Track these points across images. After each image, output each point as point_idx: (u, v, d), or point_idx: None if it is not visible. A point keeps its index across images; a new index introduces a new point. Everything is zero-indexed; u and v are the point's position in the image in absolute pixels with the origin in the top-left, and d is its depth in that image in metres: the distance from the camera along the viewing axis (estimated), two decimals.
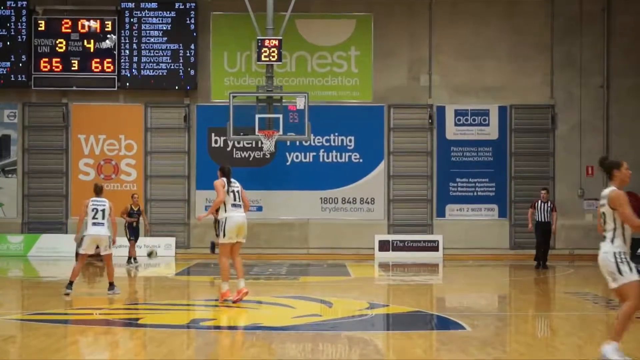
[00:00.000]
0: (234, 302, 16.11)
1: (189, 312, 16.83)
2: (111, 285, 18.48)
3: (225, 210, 16.56)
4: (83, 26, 31.96)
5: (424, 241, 32.07)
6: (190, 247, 32.14)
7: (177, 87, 32.12)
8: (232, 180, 16.76)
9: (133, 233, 28.21)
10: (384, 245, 32.02)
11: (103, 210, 18.31)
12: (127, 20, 32.08)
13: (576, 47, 32.50)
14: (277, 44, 28.70)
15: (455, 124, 32.48)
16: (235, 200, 16.65)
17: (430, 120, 32.39)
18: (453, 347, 12.23)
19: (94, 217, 18.25)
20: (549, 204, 27.37)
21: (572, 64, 32.51)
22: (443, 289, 22.93)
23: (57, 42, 31.93)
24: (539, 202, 27.33)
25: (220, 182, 16.57)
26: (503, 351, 12.27)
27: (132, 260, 27.84)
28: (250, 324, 13.22)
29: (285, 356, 11.71)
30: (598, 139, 32.43)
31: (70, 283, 18.21)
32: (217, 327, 13.80)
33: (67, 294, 17.96)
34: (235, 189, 16.75)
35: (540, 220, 27.26)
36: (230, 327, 13.51)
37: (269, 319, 14.91)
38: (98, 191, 18.64)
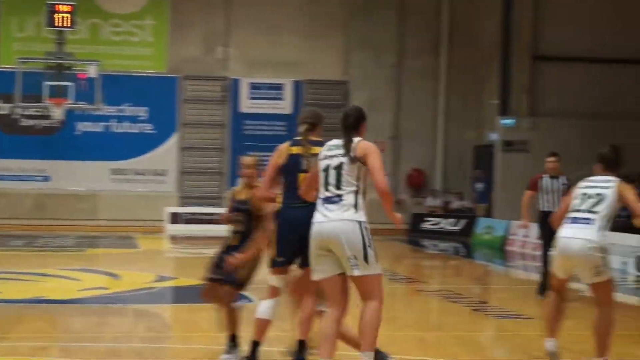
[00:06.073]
0: None
1: None
2: None
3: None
4: None
5: (216, 214, 32.04)
6: None
7: None
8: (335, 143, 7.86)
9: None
10: (175, 218, 31.72)
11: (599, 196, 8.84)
12: None
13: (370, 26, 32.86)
14: (70, 9, 27.94)
15: (250, 98, 32.48)
16: (327, 186, 7.75)
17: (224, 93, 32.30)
18: None
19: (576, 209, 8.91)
20: None
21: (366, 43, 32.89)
22: None
23: None
24: None
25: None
26: None
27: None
28: (34, 297, 12.82)
29: (71, 330, 11.44)
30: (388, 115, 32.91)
31: None
32: None
33: None
34: (332, 164, 7.78)
35: None
36: (14, 301, 13.04)
37: (53, 292, 14.51)
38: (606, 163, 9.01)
